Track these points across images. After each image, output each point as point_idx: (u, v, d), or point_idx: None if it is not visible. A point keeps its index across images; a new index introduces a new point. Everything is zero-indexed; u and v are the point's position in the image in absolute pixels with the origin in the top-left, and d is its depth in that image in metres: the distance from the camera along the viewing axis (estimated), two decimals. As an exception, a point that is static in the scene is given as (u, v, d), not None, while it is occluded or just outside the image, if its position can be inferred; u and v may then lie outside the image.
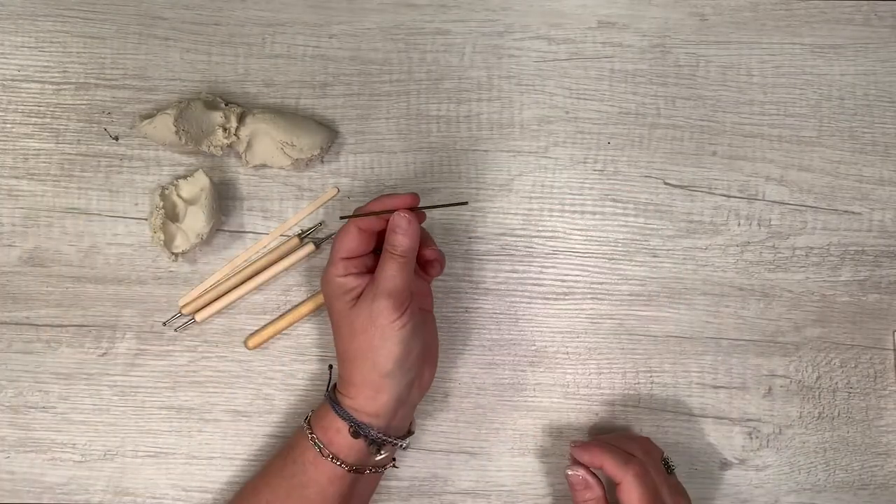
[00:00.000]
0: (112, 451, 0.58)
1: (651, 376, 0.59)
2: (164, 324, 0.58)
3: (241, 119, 0.57)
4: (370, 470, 0.51)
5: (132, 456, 0.58)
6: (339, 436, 0.50)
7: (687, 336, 0.60)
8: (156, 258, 0.59)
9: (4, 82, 0.60)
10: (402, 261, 0.50)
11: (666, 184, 0.61)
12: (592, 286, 0.60)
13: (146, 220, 0.59)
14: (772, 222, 0.60)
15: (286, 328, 0.58)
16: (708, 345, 0.60)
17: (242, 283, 0.58)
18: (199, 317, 0.58)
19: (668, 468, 0.54)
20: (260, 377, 0.59)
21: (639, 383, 0.59)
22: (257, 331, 0.58)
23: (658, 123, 0.61)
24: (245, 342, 0.58)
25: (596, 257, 0.60)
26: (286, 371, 0.59)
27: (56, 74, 0.60)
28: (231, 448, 0.58)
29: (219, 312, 0.58)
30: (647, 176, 0.61)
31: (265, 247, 0.59)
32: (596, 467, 0.53)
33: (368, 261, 0.53)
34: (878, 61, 0.61)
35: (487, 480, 0.58)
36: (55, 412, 0.58)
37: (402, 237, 0.50)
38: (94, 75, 0.60)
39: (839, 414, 0.60)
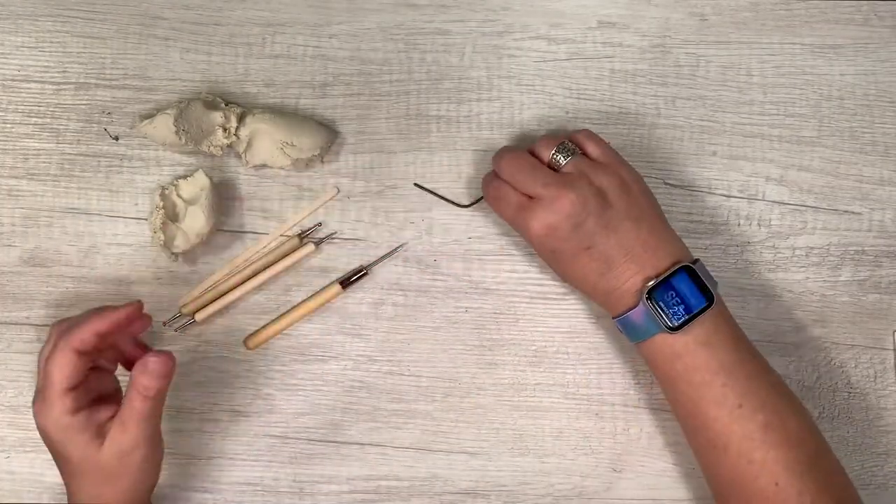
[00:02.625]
0: (112, 451, 0.58)
1: (651, 376, 0.59)
2: (164, 324, 0.58)
3: (241, 119, 0.57)
4: None
5: (132, 456, 0.58)
6: None
7: (687, 336, 0.60)
8: (156, 258, 0.59)
9: (4, 82, 0.60)
10: (156, 402, 0.48)
11: (666, 184, 0.61)
12: (592, 286, 0.60)
13: (146, 220, 0.59)
14: (772, 222, 0.60)
15: (286, 328, 0.58)
16: (708, 345, 0.60)
17: (242, 283, 0.58)
18: (199, 317, 0.58)
19: (566, 152, 0.53)
20: (260, 377, 0.59)
21: (639, 383, 0.59)
22: (257, 331, 0.58)
23: (658, 123, 0.61)
24: (245, 342, 0.58)
25: (596, 257, 0.60)
26: (286, 371, 0.59)
27: (56, 74, 0.60)
28: (231, 448, 0.58)
29: (219, 312, 0.58)
30: (647, 176, 0.60)
31: (265, 247, 0.59)
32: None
33: (92, 383, 0.49)
34: (878, 61, 0.61)
35: (487, 480, 0.58)
36: (55, 412, 0.58)
37: (153, 381, 0.47)
38: (94, 75, 0.60)
39: (839, 414, 0.60)
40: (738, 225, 0.60)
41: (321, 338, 0.59)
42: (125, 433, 0.48)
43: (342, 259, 0.59)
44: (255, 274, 0.58)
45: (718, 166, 0.61)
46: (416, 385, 0.59)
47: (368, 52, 0.61)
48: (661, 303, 0.50)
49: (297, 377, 0.59)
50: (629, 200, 0.52)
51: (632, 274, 0.51)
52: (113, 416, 0.48)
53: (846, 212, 0.61)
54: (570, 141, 0.54)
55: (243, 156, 0.58)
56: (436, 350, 0.59)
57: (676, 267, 0.51)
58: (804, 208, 0.61)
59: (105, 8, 0.60)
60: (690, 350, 0.51)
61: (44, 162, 0.59)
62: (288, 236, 0.59)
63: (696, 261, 0.52)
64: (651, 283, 0.51)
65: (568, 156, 0.53)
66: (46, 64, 0.60)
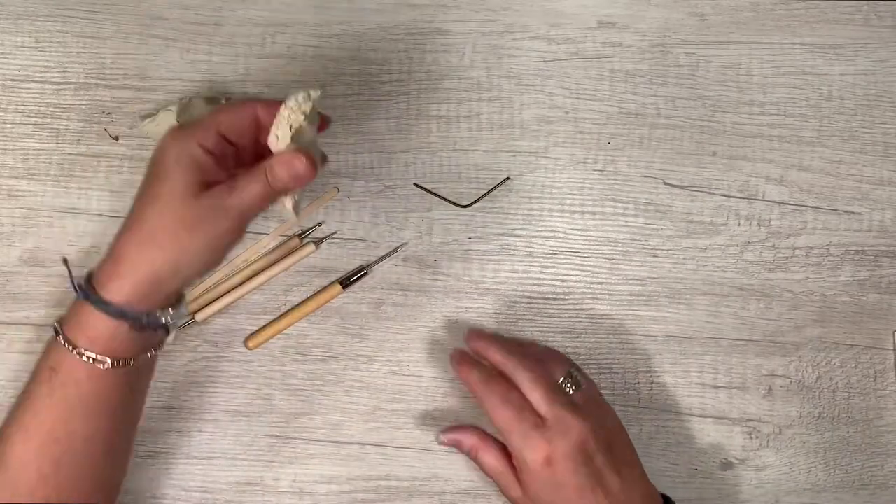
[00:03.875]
0: (112, 451, 0.58)
1: (651, 376, 0.59)
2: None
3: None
4: (133, 360, 0.46)
5: (132, 456, 0.58)
6: (97, 332, 0.45)
7: (687, 336, 0.60)
8: (156, 258, 0.59)
9: (4, 82, 0.60)
10: (272, 193, 0.45)
11: (666, 184, 0.61)
12: (592, 286, 0.60)
13: (146, 220, 0.59)
14: (772, 222, 0.60)
15: (286, 328, 0.58)
16: (708, 345, 0.60)
17: (242, 283, 0.58)
18: (199, 317, 0.58)
19: (574, 383, 0.51)
20: (260, 377, 0.59)
21: (639, 383, 0.59)
22: (257, 331, 0.58)
23: (658, 123, 0.61)
24: (245, 342, 0.58)
25: (596, 257, 0.60)
26: (286, 371, 0.59)
27: (56, 74, 0.60)
28: (231, 448, 0.58)
29: (219, 312, 0.58)
30: (647, 176, 0.61)
31: (265, 247, 0.59)
32: (483, 357, 0.52)
33: (228, 157, 0.47)
34: (878, 61, 0.61)
35: (487, 480, 0.58)
36: (55, 412, 0.58)
37: (289, 178, 0.45)
38: (94, 75, 0.60)
39: (839, 414, 0.60)
40: (738, 225, 0.60)
41: (321, 338, 0.59)
42: (230, 197, 0.44)
43: (342, 259, 0.59)
44: (255, 274, 0.58)
45: (718, 166, 0.61)
46: (416, 385, 0.59)
47: (368, 52, 0.61)
48: None
49: (297, 377, 0.59)
50: (627, 448, 0.52)
51: None
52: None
53: (846, 212, 0.61)
54: (577, 371, 0.53)
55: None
56: (436, 350, 0.59)
57: None
58: (804, 208, 0.61)
59: (105, 8, 0.60)
60: None
61: (44, 162, 0.59)
62: (288, 236, 0.59)
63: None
64: None
65: (577, 387, 0.52)
66: (46, 64, 0.60)
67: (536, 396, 0.49)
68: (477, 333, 0.54)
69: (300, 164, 0.45)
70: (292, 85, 0.60)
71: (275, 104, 0.46)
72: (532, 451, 0.48)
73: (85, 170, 0.59)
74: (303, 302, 0.59)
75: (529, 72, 0.61)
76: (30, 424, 0.46)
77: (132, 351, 0.47)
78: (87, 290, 0.45)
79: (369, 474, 0.58)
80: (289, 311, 0.59)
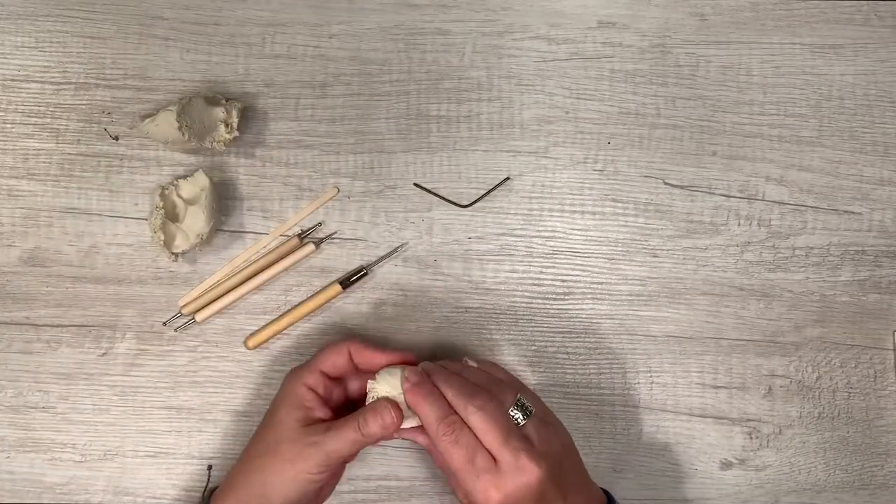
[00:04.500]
0: (112, 451, 0.58)
1: (651, 376, 0.59)
2: (165, 324, 0.58)
3: (242, 114, 0.57)
4: None
5: (132, 456, 0.58)
6: None
7: (687, 336, 0.60)
8: (156, 258, 0.59)
9: (4, 82, 0.60)
10: (363, 441, 0.50)
11: (666, 184, 0.61)
12: (592, 286, 0.60)
13: (146, 220, 0.59)
14: (772, 222, 0.60)
15: (286, 328, 0.58)
16: (708, 345, 0.60)
17: (242, 283, 0.58)
18: (199, 317, 0.58)
19: (523, 411, 0.49)
20: (260, 377, 0.59)
21: (639, 383, 0.59)
22: (257, 331, 0.58)
23: (658, 123, 0.61)
24: (245, 342, 0.58)
25: (596, 257, 0.60)
26: (286, 371, 0.58)
27: (56, 74, 0.60)
28: (231, 448, 0.58)
29: (219, 312, 0.58)
30: (647, 176, 0.61)
31: (265, 247, 0.59)
32: (420, 412, 0.50)
33: (334, 390, 0.54)
34: (878, 61, 0.61)
35: (487, 480, 0.58)
36: (55, 412, 0.58)
37: (379, 429, 0.50)
38: (94, 75, 0.60)
39: (839, 414, 0.60)
40: (738, 225, 0.60)
41: (321, 338, 0.59)
42: (325, 438, 0.50)
43: (342, 259, 0.59)
44: (255, 274, 0.58)
45: (718, 166, 0.61)
46: (416, 385, 0.59)
47: (368, 52, 0.61)
48: None
49: (297, 377, 0.59)
50: (575, 460, 0.51)
51: None
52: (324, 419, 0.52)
53: (846, 212, 0.61)
54: (523, 394, 0.50)
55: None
56: (436, 350, 0.59)
57: None
58: (804, 208, 0.61)
59: (105, 8, 0.60)
60: None
61: (44, 162, 0.59)
62: (288, 236, 0.59)
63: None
64: None
65: (527, 415, 0.49)
66: (46, 64, 0.60)
67: (489, 439, 0.47)
68: (428, 370, 0.51)
69: (388, 416, 0.50)
70: (292, 85, 0.60)
71: (365, 348, 0.53)
72: (483, 494, 0.47)
73: (85, 170, 0.59)
74: (303, 302, 0.59)
75: (529, 72, 0.61)
76: None
77: None
78: None
79: (369, 474, 0.58)
80: (289, 311, 0.59)
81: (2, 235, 0.59)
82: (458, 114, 0.61)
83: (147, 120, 0.57)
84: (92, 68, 0.60)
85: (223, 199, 0.59)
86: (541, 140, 0.60)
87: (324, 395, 0.52)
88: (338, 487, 0.58)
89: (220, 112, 0.57)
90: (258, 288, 0.59)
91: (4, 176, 0.59)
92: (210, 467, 0.57)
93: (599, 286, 0.60)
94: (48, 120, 0.59)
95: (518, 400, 0.49)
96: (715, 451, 0.59)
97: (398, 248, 0.59)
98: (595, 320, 0.60)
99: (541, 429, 0.49)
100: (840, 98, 0.61)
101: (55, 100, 0.60)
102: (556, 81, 0.61)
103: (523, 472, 0.46)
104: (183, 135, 0.56)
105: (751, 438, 0.59)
